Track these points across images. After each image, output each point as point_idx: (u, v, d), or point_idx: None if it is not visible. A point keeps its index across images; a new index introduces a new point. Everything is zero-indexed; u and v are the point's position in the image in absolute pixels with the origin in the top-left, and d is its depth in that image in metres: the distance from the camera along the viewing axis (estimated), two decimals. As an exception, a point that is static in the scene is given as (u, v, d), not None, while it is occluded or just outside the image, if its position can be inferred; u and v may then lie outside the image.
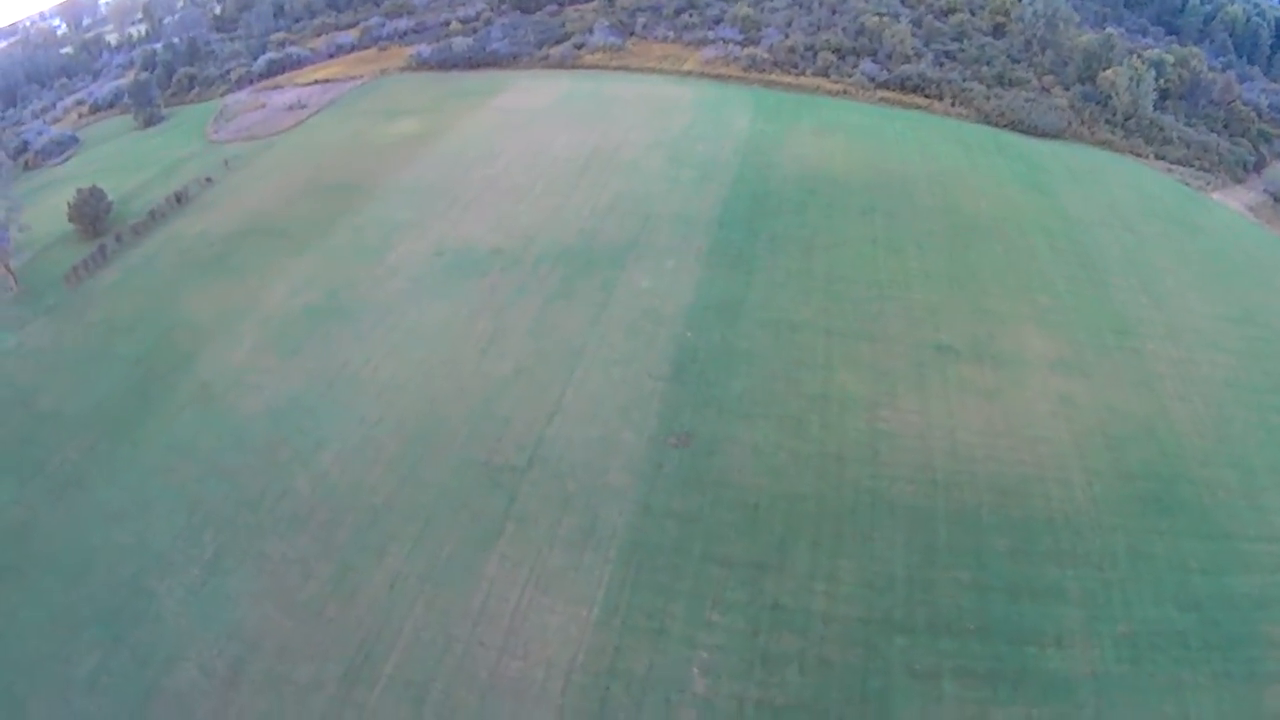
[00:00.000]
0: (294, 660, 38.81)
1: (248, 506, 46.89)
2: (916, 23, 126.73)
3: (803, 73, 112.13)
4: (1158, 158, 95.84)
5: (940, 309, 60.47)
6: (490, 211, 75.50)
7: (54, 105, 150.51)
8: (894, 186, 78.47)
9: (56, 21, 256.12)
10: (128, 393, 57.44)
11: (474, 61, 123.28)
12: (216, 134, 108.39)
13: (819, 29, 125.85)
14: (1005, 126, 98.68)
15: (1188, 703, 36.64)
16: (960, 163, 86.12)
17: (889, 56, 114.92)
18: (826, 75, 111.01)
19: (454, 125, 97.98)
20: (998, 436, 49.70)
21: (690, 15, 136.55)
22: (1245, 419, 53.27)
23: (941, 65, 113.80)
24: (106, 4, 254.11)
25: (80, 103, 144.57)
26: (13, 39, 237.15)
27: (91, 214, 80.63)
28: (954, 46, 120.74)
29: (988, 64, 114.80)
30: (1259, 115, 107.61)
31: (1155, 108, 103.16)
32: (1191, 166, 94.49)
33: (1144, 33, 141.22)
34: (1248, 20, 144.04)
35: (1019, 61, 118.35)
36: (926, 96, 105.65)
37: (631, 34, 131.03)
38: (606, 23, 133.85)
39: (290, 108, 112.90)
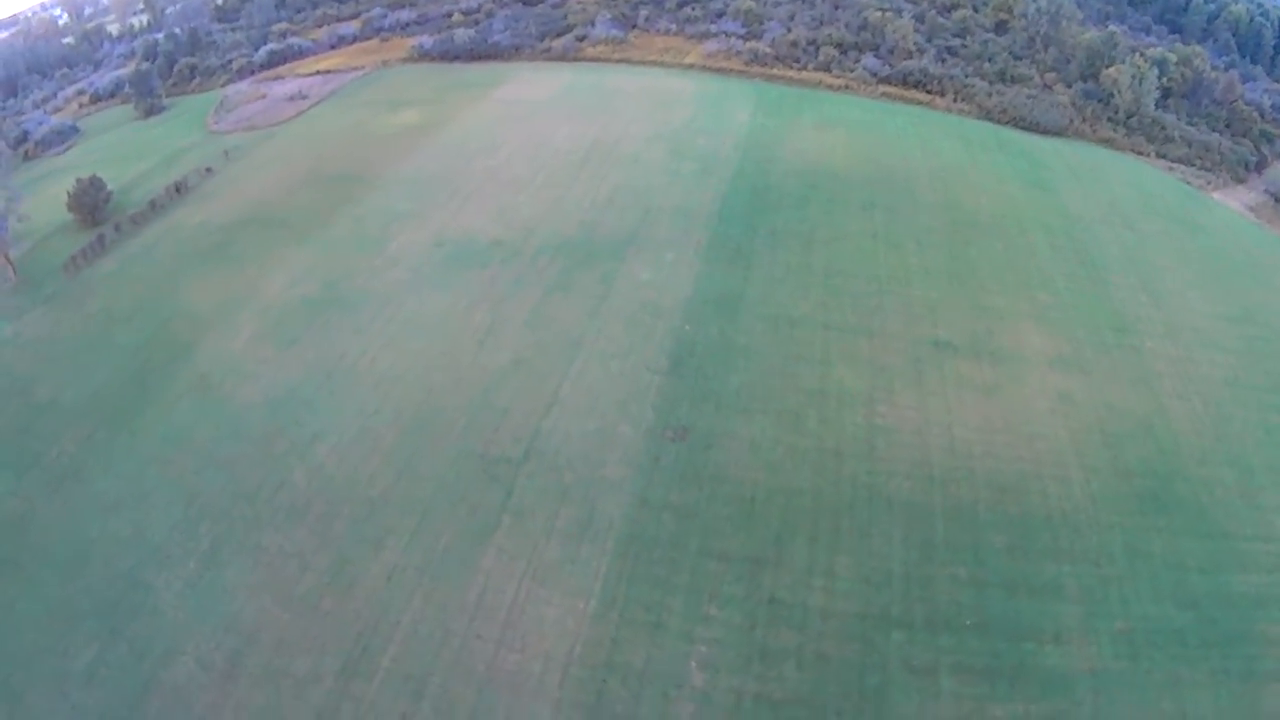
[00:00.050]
0: (292, 653, 38.76)
1: (245, 498, 46.82)
2: (919, 18, 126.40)
3: (804, 67, 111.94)
4: (1159, 156, 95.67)
5: (939, 305, 60.37)
6: (490, 203, 75.38)
7: (55, 95, 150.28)
8: (895, 182, 78.31)
9: (58, 11, 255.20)
10: (125, 383, 57.37)
11: (476, 53, 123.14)
12: (217, 124, 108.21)
13: (821, 23, 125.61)
14: (1007, 123, 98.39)
15: (1185, 700, 36.64)
16: (961, 159, 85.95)
17: (891, 52, 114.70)
18: (828, 70, 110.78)
19: (455, 117, 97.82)
20: (996, 433, 49.63)
21: (693, 8, 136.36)
22: (1244, 418, 53.22)
23: (944, 61, 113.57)
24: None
25: (81, 93, 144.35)
26: (14, 29, 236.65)
27: (91, 204, 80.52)
28: (956, 43, 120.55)
29: (990, 60, 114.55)
30: (1261, 115, 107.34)
31: (1157, 106, 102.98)
32: (1193, 165, 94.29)
33: (1147, 31, 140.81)
34: (1251, 20, 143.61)
35: (1021, 58, 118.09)
36: (928, 92, 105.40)
37: (634, 27, 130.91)
38: (609, 15, 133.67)
39: (291, 98, 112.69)
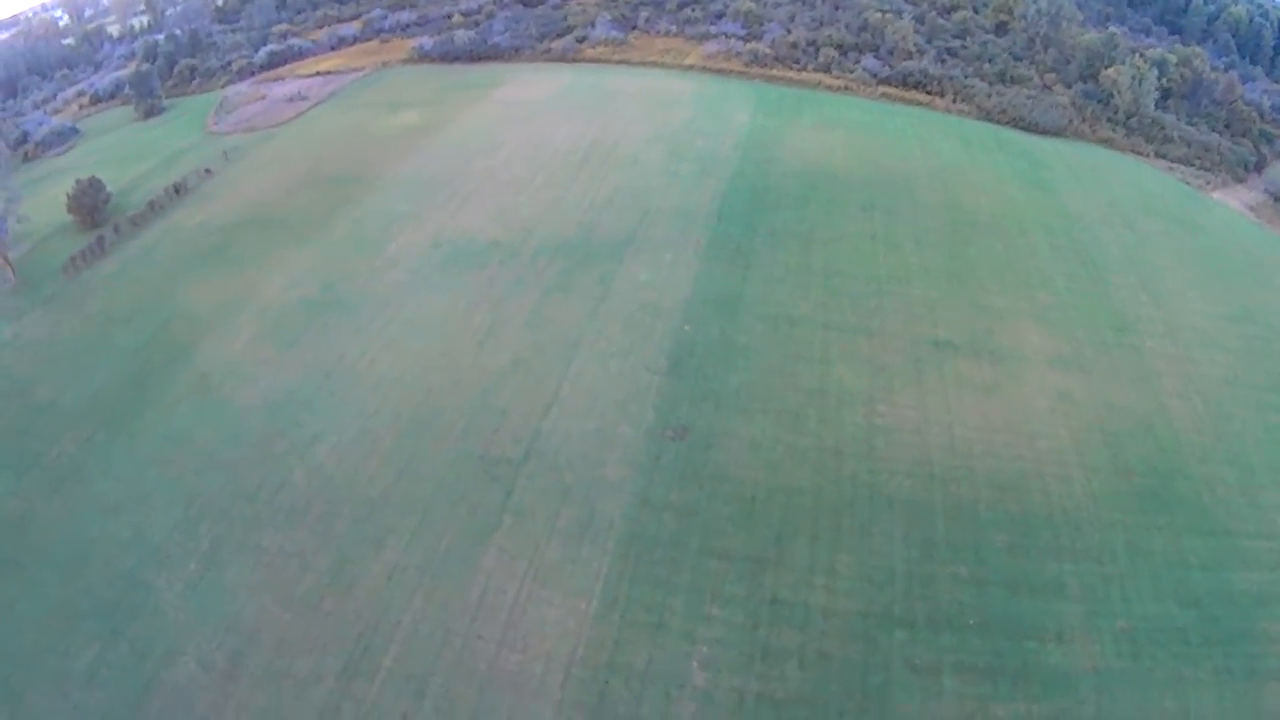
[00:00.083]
0: (293, 653, 38.67)
1: (245, 499, 46.73)
2: (919, 19, 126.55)
3: (804, 68, 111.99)
4: (1159, 156, 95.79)
5: (939, 305, 60.37)
6: (490, 204, 75.34)
7: (55, 96, 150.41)
8: (894, 183, 78.33)
9: (58, 13, 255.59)
10: (125, 384, 57.28)
11: (476, 54, 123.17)
12: (217, 125, 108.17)
13: (821, 24, 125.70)
14: (1006, 124, 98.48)
15: (1188, 698, 36.63)
16: (961, 159, 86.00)
17: (891, 53, 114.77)
18: (828, 71, 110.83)
19: (455, 118, 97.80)
20: (996, 432, 49.62)
21: (693, 10, 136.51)
22: (1244, 417, 53.25)
23: (943, 62, 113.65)
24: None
25: (81, 94, 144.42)
26: (14, 30, 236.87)
27: (90, 205, 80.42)
28: (956, 43, 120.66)
29: (990, 61, 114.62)
30: (1260, 115, 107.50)
31: (1157, 107, 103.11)
32: (1192, 165, 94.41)
33: (1147, 32, 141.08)
34: (1251, 21, 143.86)
35: (1021, 59, 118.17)
36: (928, 93, 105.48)
37: (634, 28, 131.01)
38: (609, 16, 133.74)
39: (291, 99, 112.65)
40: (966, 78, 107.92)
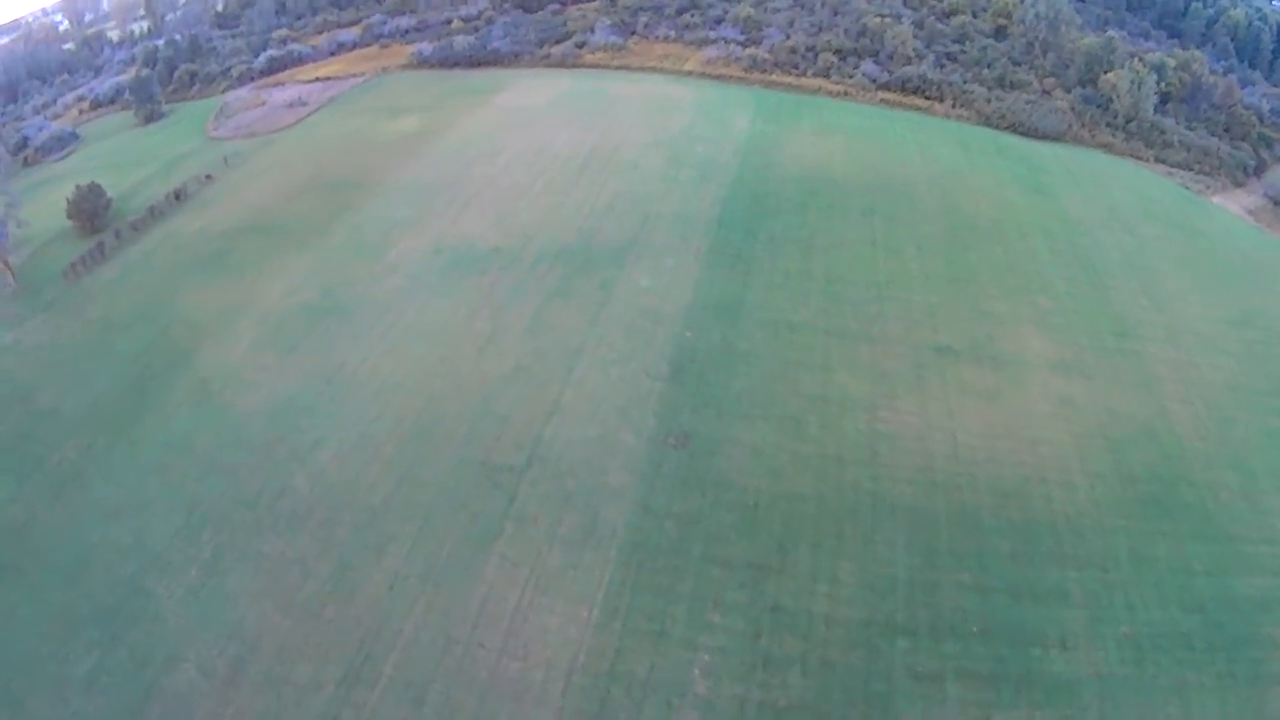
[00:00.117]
0: (293, 660, 38.59)
1: (246, 505, 46.66)
2: (918, 24, 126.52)
3: (804, 73, 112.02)
4: (1158, 161, 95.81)
5: (940, 310, 60.36)
6: (490, 210, 75.33)
7: (55, 101, 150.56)
8: (894, 188, 78.37)
9: (59, 17, 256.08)
10: (126, 390, 57.24)
11: (475, 60, 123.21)
12: (217, 131, 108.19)
13: (821, 30, 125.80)
14: (1006, 129, 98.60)
15: (1191, 704, 36.54)
16: (961, 165, 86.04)
17: (890, 58, 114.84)
18: (827, 76, 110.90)
19: (455, 123, 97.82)
20: (998, 438, 49.56)
21: (692, 15, 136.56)
22: (1246, 422, 53.20)
23: (943, 67, 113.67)
24: (109, 0, 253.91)
25: (81, 99, 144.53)
26: (15, 34, 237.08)
27: (90, 210, 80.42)
28: (955, 48, 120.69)
29: (989, 66, 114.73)
30: (1260, 119, 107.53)
31: (1156, 111, 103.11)
32: (1192, 170, 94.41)
33: (1145, 36, 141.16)
34: (1249, 24, 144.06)
35: (1020, 64, 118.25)
36: (927, 98, 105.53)
37: (633, 33, 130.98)
38: (608, 22, 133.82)
39: (291, 105, 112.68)
40: (965, 83, 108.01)
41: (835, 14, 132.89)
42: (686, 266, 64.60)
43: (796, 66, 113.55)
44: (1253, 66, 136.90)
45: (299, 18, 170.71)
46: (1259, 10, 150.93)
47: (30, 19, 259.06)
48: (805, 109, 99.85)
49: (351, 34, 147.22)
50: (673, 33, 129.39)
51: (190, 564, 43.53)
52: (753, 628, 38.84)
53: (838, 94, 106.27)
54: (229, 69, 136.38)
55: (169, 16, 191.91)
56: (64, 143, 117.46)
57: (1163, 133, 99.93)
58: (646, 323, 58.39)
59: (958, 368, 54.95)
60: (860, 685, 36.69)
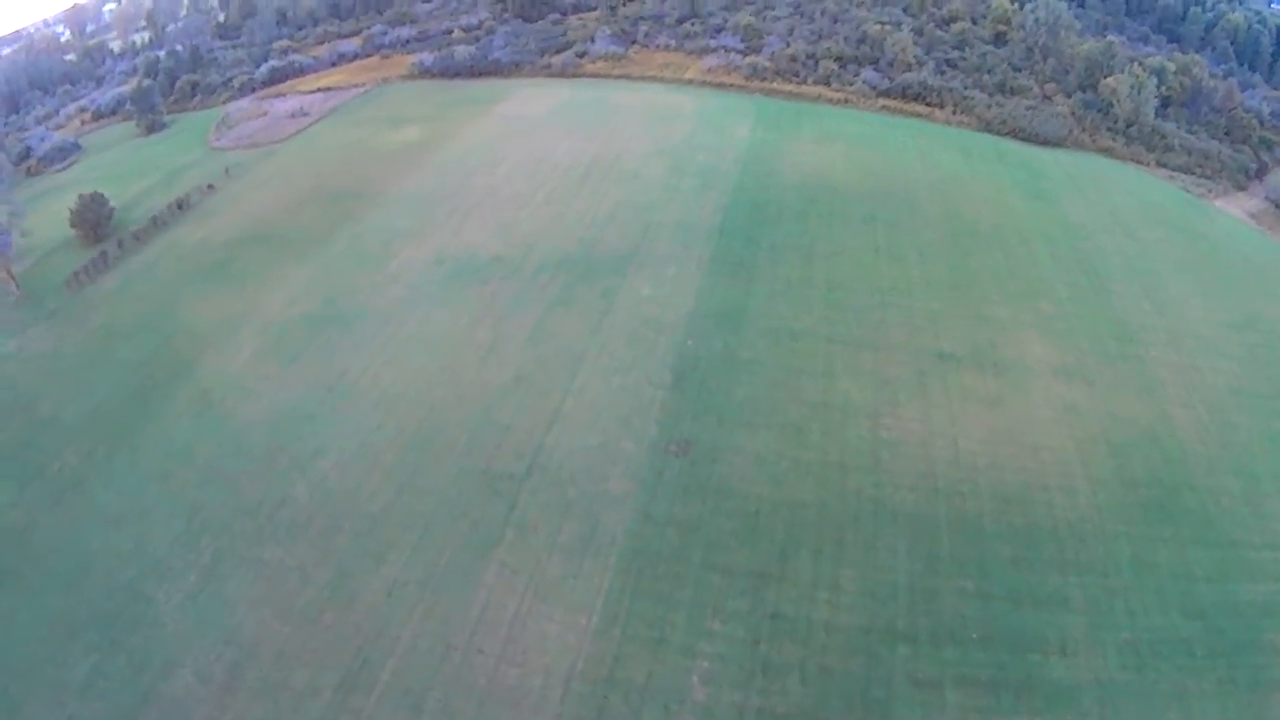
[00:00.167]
0: (291, 667, 38.54)
1: (246, 513, 46.69)
2: (918, 31, 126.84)
3: (804, 81, 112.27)
4: (1159, 165, 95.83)
5: (942, 316, 60.28)
6: (491, 219, 75.45)
7: (57, 112, 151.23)
8: (895, 195, 78.38)
9: (60, 28, 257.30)
10: (127, 398, 57.37)
11: (476, 70, 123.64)
12: (218, 141, 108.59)
13: (821, 38, 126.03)
14: (1006, 134, 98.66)
15: (1192, 710, 36.31)
16: (961, 171, 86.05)
17: (890, 65, 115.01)
18: (828, 84, 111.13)
19: (456, 133, 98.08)
20: (1000, 444, 49.42)
21: (692, 24, 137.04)
22: (1249, 426, 52.99)
23: (943, 73, 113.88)
24: (110, 11, 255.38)
25: (83, 109, 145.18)
26: (17, 45, 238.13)
27: (93, 220, 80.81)
28: (955, 55, 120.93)
29: (989, 72, 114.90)
30: (1260, 122, 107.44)
31: (1157, 115, 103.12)
32: (1193, 174, 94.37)
33: (1145, 40, 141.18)
34: (1249, 28, 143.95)
35: (1020, 69, 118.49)
36: (928, 105, 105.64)
37: (633, 42, 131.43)
38: (608, 31, 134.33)
39: (292, 115, 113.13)
40: (966, 89, 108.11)
41: (835, 22, 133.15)
42: (688, 275, 64.61)
43: (797, 74, 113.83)
44: (1253, 70, 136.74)
45: (300, 29, 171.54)
46: (1258, 13, 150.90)
47: (32, 30, 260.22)
48: (806, 117, 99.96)
49: (353, 44, 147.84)
50: (673, 42, 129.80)
51: (189, 570, 43.56)
52: (752, 635, 38.71)
53: (838, 101, 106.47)
54: (230, 80, 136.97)
55: (170, 27, 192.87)
56: (66, 153, 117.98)
57: (1163, 137, 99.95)
58: (648, 331, 58.39)
59: (960, 374, 54.84)
60: (860, 692, 36.54)
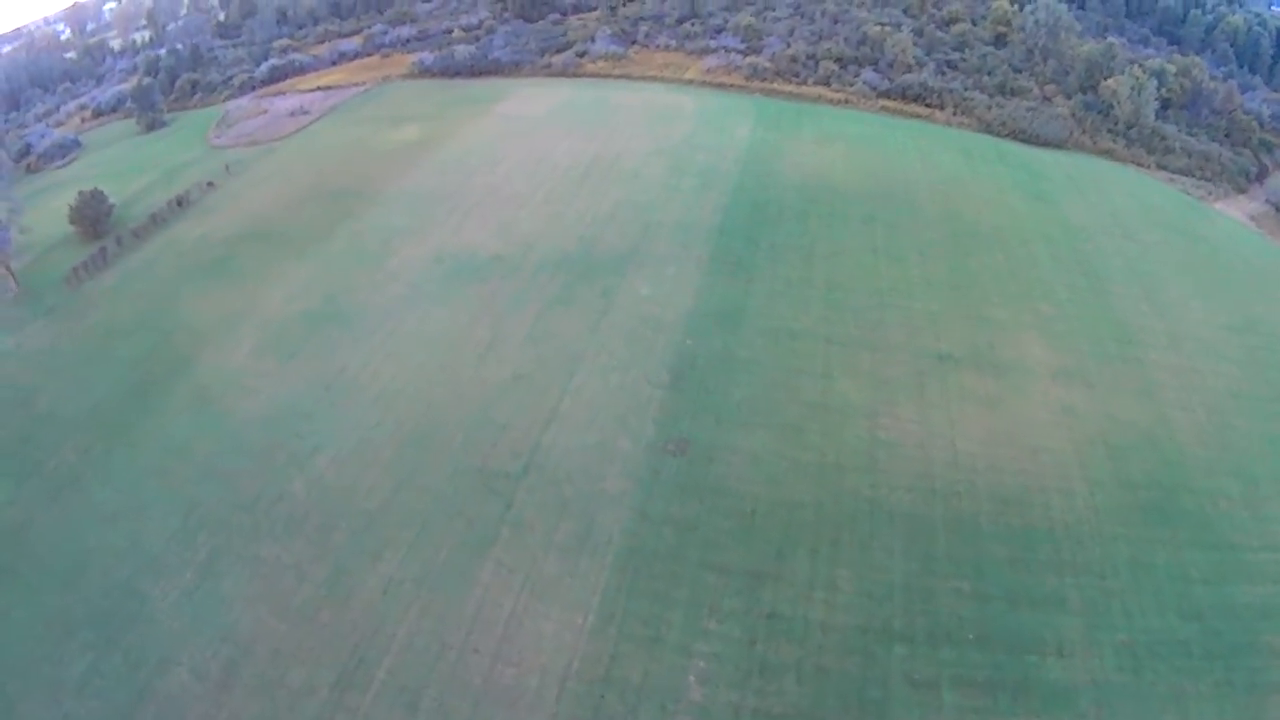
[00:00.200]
0: (287, 664, 38.49)
1: (243, 509, 46.65)
2: (918, 32, 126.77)
3: (804, 82, 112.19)
4: (1159, 167, 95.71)
5: (941, 317, 60.21)
6: (491, 218, 75.40)
7: (57, 109, 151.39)
8: (895, 195, 78.31)
9: (61, 26, 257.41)
10: (125, 395, 57.34)
11: (476, 69, 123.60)
12: (218, 139, 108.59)
13: (821, 38, 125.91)
14: (1007, 136, 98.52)
15: (1189, 712, 36.26)
16: (962, 172, 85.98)
17: (891, 66, 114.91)
18: (828, 84, 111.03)
19: (456, 132, 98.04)
20: (998, 445, 49.34)
21: (692, 24, 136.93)
22: (1248, 429, 52.92)
23: (943, 74, 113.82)
24: (111, 10, 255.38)
25: (83, 107, 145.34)
26: (17, 43, 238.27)
27: (93, 216, 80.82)
28: (956, 56, 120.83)
29: (989, 73, 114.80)
30: (1261, 125, 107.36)
31: (1157, 117, 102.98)
32: (1193, 176, 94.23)
33: (1145, 42, 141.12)
34: (1249, 30, 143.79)
35: (1021, 71, 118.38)
36: (928, 106, 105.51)
37: (634, 42, 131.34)
38: (609, 31, 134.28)
39: (292, 114, 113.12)
40: (966, 90, 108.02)
41: (835, 22, 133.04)
42: (688, 274, 64.55)
43: (797, 75, 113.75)
44: (1253, 72, 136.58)
45: (300, 27, 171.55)
46: (1258, 16, 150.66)
47: (33, 28, 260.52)
48: (806, 117, 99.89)
49: (353, 43, 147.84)
50: (673, 42, 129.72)
51: (186, 567, 43.53)
52: (748, 634, 38.65)
53: (838, 102, 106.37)
54: (230, 78, 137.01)
55: (170, 26, 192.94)
56: (66, 150, 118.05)
57: (1164, 139, 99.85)
58: (647, 330, 58.33)
59: (959, 375, 54.78)
60: (856, 692, 36.48)
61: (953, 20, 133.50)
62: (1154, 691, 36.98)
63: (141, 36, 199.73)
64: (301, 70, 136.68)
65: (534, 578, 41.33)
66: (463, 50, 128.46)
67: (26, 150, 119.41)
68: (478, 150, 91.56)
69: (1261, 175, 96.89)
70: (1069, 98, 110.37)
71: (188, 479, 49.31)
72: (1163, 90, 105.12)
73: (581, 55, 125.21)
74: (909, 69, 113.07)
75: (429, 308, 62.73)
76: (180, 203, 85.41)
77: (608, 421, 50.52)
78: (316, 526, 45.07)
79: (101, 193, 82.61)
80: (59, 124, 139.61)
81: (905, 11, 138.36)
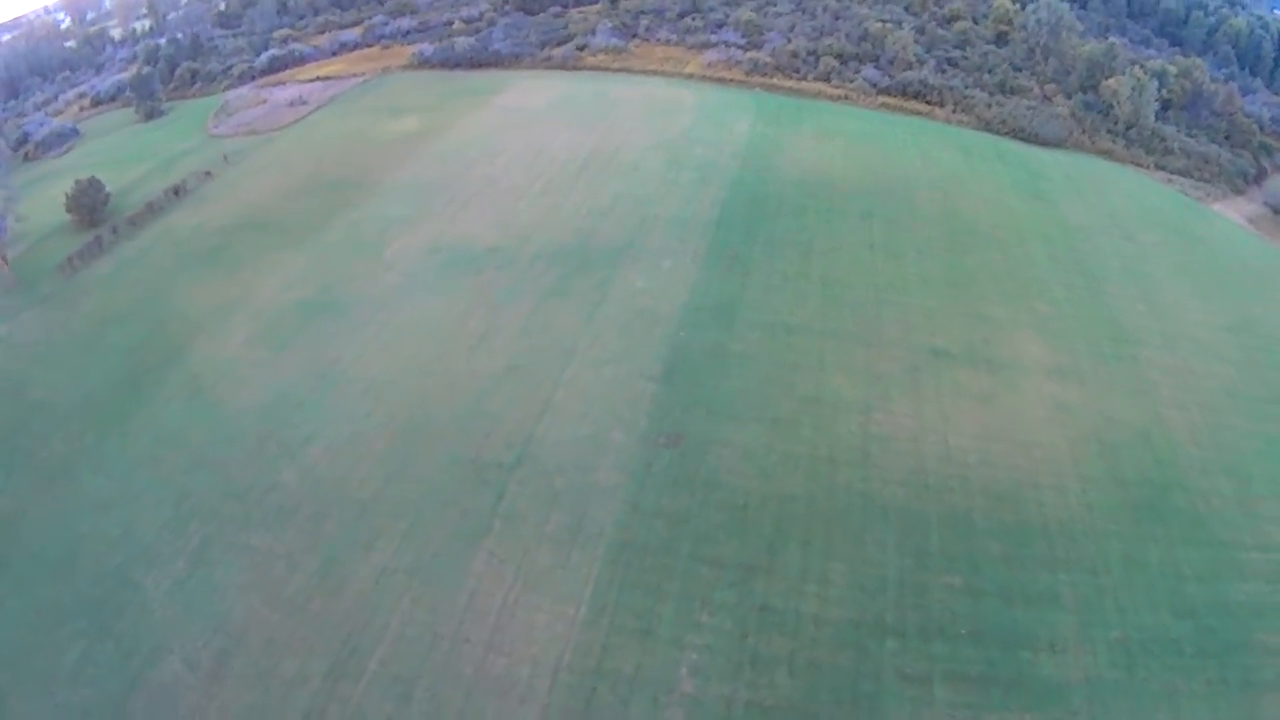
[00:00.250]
0: (279, 654, 38.37)
1: (235, 498, 46.51)
2: (919, 30, 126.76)
3: (804, 77, 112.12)
4: (1158, 168, 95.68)
5: (937, 314, 60.16)
6: (488, 210, 75.26)
7: (56, 98, 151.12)
8: (894, 192, 78.23)
9: (61, 15, 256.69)
10: (118, 383, 57.17)
11: (476, 61, 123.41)
12: (217, 129, 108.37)
13: (822, 34, 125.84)
14: (1006, 134, 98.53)
15: (1181, 710, 36.23)
16: (960, 170, 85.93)
17: (891, 63, 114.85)
18: (828, 80, 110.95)
19: (455, 124, 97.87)
20: (992, 441, 49.32)
21: (693, 19, 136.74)
22: (1242, 428, 52.92)
23: (943, 72, 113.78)
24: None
25: (82, 96, 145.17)
26: (16, 31, 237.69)
27: (89, 205, 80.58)
28: (956, 54, 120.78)
29: (990, 72, 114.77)
30: (1260, 127, 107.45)
31: (1157, 118, 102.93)
32: (1192, 177, 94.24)
33: (1147, 43, 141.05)
34: (1251, 32, 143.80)
35: (1021, 70, 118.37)
36: (928, 103, 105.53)
37: (634, 36, 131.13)
38: (609, 24, 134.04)
39: (291, 104, 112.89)
40: (966, 88, 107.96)
41: (836, 19, 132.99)
42: (684, 268, 64.45)
43: (797, 70, 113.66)
44: (1254, 74, 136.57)
45: (300, 18, 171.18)
46: (1260, 18, 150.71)
47: (32, 16, 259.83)
48: (805, 113, 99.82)
49: (353, 34, 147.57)
50: (674, 36, 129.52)
51: (178, 556, 43.38)
52: (740, 627, 38.60)
53: (838, 98, 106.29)
54: (230, 68, 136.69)
55: (171, 15, 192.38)
56: (64, 139, 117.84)
57: (1163, 140, 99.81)
58: (641, 323, 58.22)
59: (953, 371, 54.74)
60: (848, 686, 36.43)
61: (954, 18, 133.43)
62: (1147, 688, 36.96)
63: (142, 25, 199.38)
64: (301, 60, 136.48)
65: (526, 569, 41.24)
66: (463, 42, 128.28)
67: (24, 139, 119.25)
68: (476, 142, 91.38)
69: (1260, 178, 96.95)
70: (1069, 97, 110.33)
71: (180, 468, 49.14)
72: (1163, 91, 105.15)
73: (582, 48, 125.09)
74: (909, 66, 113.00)
75: (424, 298, 62.60)
76: (177, 192, 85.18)
77: (601, 414, 50.42)
78: (309, 516, 44.94)
79: (98, 181, 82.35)
80: (58, 113, 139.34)
81: (906, 9, 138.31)
